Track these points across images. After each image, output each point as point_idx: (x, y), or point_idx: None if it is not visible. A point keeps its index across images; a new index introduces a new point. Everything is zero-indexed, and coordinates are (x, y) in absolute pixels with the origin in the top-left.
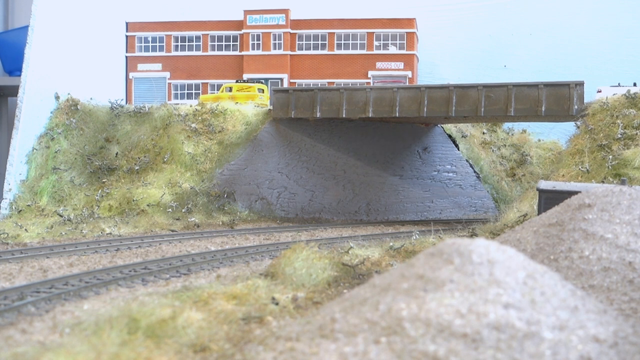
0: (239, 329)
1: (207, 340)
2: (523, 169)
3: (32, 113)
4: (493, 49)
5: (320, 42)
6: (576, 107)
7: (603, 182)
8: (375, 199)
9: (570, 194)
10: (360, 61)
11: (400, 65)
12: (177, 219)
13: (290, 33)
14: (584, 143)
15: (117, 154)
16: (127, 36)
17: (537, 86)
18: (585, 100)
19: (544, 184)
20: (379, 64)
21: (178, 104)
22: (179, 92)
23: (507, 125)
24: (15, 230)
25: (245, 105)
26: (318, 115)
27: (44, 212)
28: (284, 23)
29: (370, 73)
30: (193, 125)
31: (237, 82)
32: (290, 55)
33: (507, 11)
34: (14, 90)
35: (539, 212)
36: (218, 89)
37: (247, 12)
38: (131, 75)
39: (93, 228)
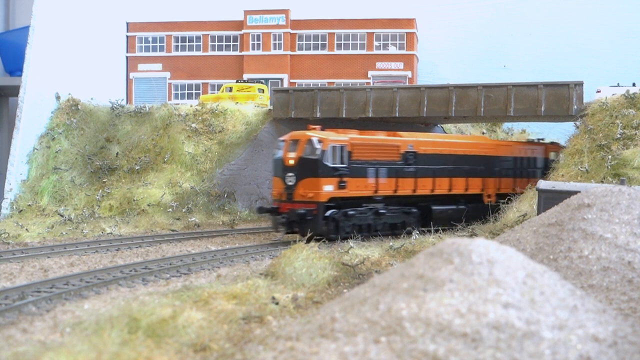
0: (239, 328)
1: (207, 339)
2: None
3: (33, 113)
4: (493, 49)
5: (320, 42)
6: (575, 107)
7: (602, 182)
8: None
9: (569, 193)
10: (360, 61)
11: (400, 65)
12: (177, 219)
13: (290, 33)
14: (583, 143)
15: (117, 153)
16: (127, 36)
17: (537, 86)
18: (585, 101)
19: (544, 184)
20: (379, 64)
21: (178, 104)
22: (179, 92)
23: (506, 125)
24: (16, 230)
25: (246, 105)
26: (318, 115)
27: (45, 211)
28: (284, 23)
29: (370, 73)
30: (193, 125)
31: (237, 82)
32: (290, 55)
33: (507, 11)
34: (14, 90)
35: (539, 212)
36: (218, 89)
37: (247, 12)
38: (132, 75)
39: (94, 228)
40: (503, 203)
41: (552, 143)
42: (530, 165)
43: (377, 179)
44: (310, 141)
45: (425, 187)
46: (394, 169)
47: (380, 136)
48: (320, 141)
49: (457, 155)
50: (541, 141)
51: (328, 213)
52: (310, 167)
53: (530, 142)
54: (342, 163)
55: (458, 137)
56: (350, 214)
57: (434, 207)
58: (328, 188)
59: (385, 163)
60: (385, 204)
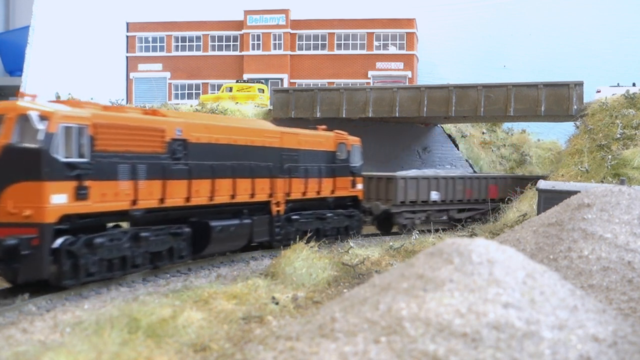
0: (239, 328)
1: (207, 339)
2: (523, 168)
3: None
4: (493, 49)
5: (320, 42)
6: (575, 107)
7: (602, 182)
8: None
9: (569, 193)
10: (360, 61)
11: (400, 65)
12: None
13: (290, 33)
14: (583, 143)
15: None
16: (127, 36)
17: (537, 86)
18: (585, 101)
19: (544, 184)
20: (379, 64)
21: (178, 104)
22: (179, 92)
23: (506, 125)
24: None
25: (246, 105)
26: (318, 115)
27: None
28: (284, 23)
29: (370, 73)
30: None
31: (237, 82)
32: (290, 55)
33: (507, 11)
34: (14, 90)
35: (539, 212)
36: (218, 89)
37: (247, 12)
38: (132, 75)
39: None
40: (295, 218)
41: (339, 133)
42: (319, 162)
43: (135, 182)
44: (25, 118)
45: (202, 193)
46: (158, 167)
47: (134, 114)
48: (43, 117)
49: (239, 146)
50: (324, 130)
51: (58, 242)
52: (25, 164)
53: (315, 131)
54: (81, 156)
55: (237, 120)
56: (97, 242)
57: (214, 224)
58: (59, 199)
59: (145, 157)
60: (145, 222)
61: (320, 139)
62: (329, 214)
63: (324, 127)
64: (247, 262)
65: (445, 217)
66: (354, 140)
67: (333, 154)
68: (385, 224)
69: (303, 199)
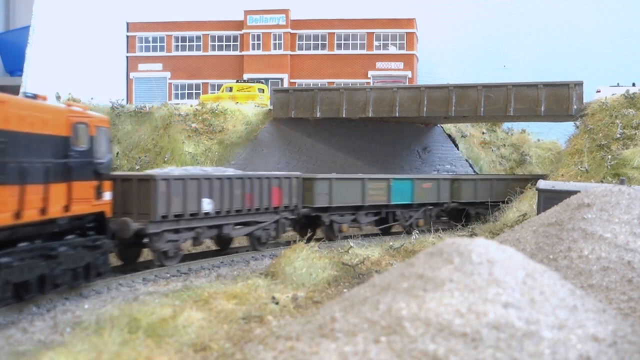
0: (239, 328)
1: (207, 339)
2: (522, 168)
3: None
4: (493, 49)
5: (320, 42)
6: (575, 107)
7: (602, 181)
8: None
9: (569, 193)
10: (360, 61)
11: (400, 65)
12: None
13: (290, 33)
14: (583, 143)
15: (117, 153)
16: (127, 36)
17: (537, 86)
18: (585, 100)
19: (543, 184)
20: (379, 64)
21: (178, 103)
22: (179, 92)
23: (506, 125)
24: None
25: (246, 105)
26: (318, 115)
27: None
28: (284, 23)
29: (370, 73)
30: (193, 125)
31: (237, 82)
32: (290, 55)
33: (507, 11)
34: (15, 90)
35: (539, 212)
36: (218, 89)
37: (247, 12)
38: (132, 75)
39: None
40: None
41: (74, 107)
42: (43, 155)
43: None
44: None
45: None
46: None
47: None
48: None
49: None
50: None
51: None
52: None
53: (35, 100)
54: None
55: None
56: None
57: None
58: None
59: None
60: None
61: (45, 114)
62: (62, 248)
63: (44, 96)
64: (247, 262)
65: (214, 235)
66: (100, 120)
67: (66, 142)
68: (132, 253)
69: (17, 224)
